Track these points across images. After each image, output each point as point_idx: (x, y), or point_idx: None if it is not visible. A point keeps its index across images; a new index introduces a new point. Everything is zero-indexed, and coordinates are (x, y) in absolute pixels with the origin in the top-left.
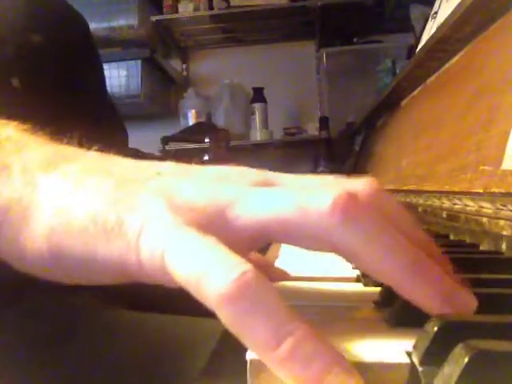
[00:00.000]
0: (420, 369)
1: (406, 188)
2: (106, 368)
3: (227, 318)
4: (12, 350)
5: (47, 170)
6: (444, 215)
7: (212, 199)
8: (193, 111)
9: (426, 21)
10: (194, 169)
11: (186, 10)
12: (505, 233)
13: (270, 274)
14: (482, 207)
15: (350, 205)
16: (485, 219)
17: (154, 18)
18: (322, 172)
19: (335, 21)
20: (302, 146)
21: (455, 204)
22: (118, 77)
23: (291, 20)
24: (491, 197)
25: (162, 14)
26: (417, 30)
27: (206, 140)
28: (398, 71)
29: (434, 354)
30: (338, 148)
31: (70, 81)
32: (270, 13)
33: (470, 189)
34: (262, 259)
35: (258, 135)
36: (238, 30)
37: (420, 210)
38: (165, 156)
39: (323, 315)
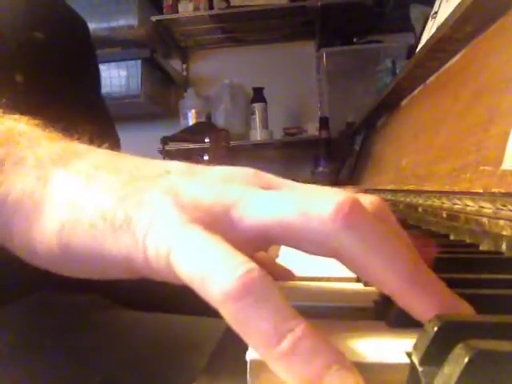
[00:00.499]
0: (420, 369)
1: (406, 188)
2: (106, 366)
3: (230, 315)
4: (13, 346)
5: (59, 166)
6: (444, 215)
7: (218, 199)
8: (193, 111)
9: (426, 21)
10: (202, 169)
11: (186, 9)
12: (505, 233)
13: (274, 272)
14: (482, 207)
15: (352, 212)
16: (485, 219)
17: (154, 18)
18: (322, 172)
19: (335, 21)
20: (301, 146)
21: (455, 204)
22: (118, 77)
23: (291, 20)
24: (491, 197)
25: (162, 13)
26: (417, 30)
27: (206, 140)
28: (397, 71)
29: (434, 354)
30: (337, 148)
31: (68, 77)
32: (270, 13)
33: (470, 189)
34: (267, 257)
35: (257, 135)
36: (237, 29)
37: (420, 209)
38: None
39: (323, 315)
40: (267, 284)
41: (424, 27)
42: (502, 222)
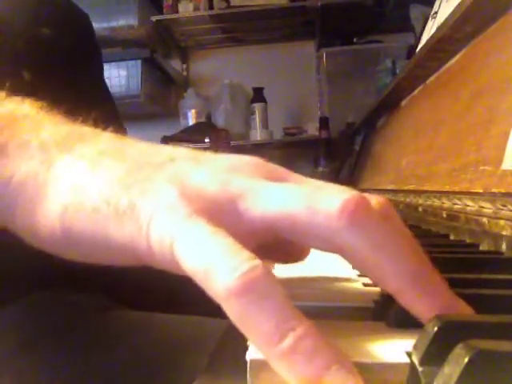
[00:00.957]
0: (420, 369)
1: (406, 188)
2: (106, 366)
3: (233, 311)
4: (14, 346)
5: (63, 149)
6: (444, 215)
7: (224, 189)
8: (193, 111)
9: (426, 21)
10: (208, 157)
11: (186, 9)
12: (505, 233)
13: (291, 250)
14: (482, 207)
15: (358, 209)
16: (485, 219)
17: (154, 18)
18: (322, 172)
19: (335, 21)
20: (301, 146)
21: (455, 204)
22: (118, 77)
23: (291, 20)
24: (491, 197)
25: (162, 13)
26: (417, 30)
27: (206, 140)
28: (397, 71)
29: (434, 354)
30: (337, 148)
31: (73, 73)
32: (270, 13)
33: (470, 189)
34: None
35: (258, 135)
36: (237, 29)
37: (420, 209)
38: None
39: (323, 315)
40: (270, 282)
41: (424, 27)
42: (502, 222)
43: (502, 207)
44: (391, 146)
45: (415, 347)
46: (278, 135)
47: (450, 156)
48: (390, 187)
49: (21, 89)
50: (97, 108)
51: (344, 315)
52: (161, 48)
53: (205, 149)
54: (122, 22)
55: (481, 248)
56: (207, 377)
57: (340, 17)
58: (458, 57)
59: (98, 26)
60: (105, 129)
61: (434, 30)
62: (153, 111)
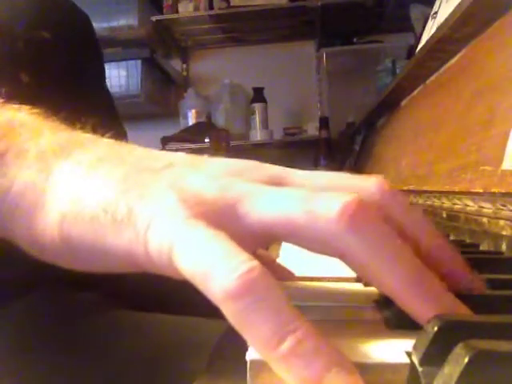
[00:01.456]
0: (420, 369)
1: (406, 188)
2: (107, 367)
3: (231, 313)
4: (14, 345)
5: (61, 157)
6: (444, 215)
7: (223, 193)
8: (193, 111)
9: (426, 21)
10: (206, 161)
11: (186, 9)
12: (505, 233)
13: (274, 272)
14: (482, 207)
15: (357, 213)
16: (485, 219)
17: (154, 18)
18: None
19: (335, 21)
20: (301, 145)
21: (455, 204)
22: (118, 77)
23: (291, 20)
24: (491, 197)
25: (162, 13)
26: (417, 30)
27: (206, 140)
28: (398, 71)
29: (434, 354)
30: (337, 148)
31: (73, 76)
32: (270, 13)
33: (470, 189)
34: (268, 256)
35: (257, 135)
36: (237, 29)
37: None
38: None
39: (323, 315)
40: (269, 283)
41: (424, 27)
42: (502, 222)
43: (501, 207)
44: (391, 145)
45: (415, 347)
46: (278, 135)
47: (450, 156)
48: None
49: (18, 91)
50: (96, 111)
51: (344, 315)
52: (161, 48)
53: (205, 149)
54: (122, 22)
55: (481, 248)
56: (207, 377)
57: (340, 17)
58: (457, 57)
59: (98, 25)
60: (104, 134)
61: (434, 30)
62: (153, 111)
